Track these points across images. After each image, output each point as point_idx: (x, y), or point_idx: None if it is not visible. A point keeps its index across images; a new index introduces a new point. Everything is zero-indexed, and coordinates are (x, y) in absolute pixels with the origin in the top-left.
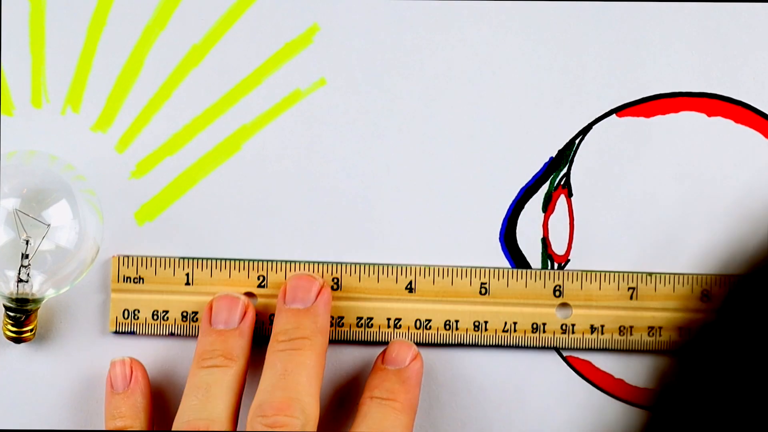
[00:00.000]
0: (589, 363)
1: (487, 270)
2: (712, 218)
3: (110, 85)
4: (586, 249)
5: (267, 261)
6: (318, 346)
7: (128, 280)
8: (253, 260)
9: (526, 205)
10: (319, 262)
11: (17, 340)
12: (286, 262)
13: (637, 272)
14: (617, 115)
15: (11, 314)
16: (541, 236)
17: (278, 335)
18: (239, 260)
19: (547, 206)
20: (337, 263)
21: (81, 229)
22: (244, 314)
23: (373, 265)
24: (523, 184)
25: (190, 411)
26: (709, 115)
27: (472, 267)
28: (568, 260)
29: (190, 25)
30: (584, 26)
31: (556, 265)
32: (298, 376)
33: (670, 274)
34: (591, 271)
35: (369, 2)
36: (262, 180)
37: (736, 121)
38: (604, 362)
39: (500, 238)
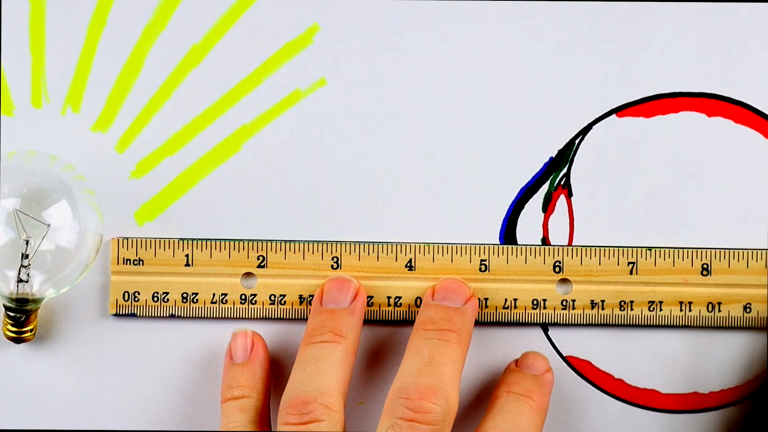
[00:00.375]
0: (589, 363)
1: (486, 247)
2: (712, 219)
3: (110, 85)
4: None
5: (266, 241)
6: (464, 342)
7: (128, 262)
8: (253, 240)
9: (526, 205)
10: (318, 242)
11: (17, 340)
12: (285, 241)
13: (637, 247)
14: (617, 115)
15: (11, 314)
16: (541, 236)
17: (425, 324)
18: (239, 240)
19: (547, 206)
20: (336, 242)
21: (81, 229)
22: (356, 296)
23: (373, 243)
24: (523, 184)
25: (299, 384)
26: (709, 115)
27: (471, 244)
28: None
29: (190, 25)
30: (584, 26)
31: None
32: (443, 367)
33: (669, 248)
34: (591, 247)
35: (369, 2)
36: (262, 180)
37: (736, 121)
38: (604, 362)
39: (500, 238)
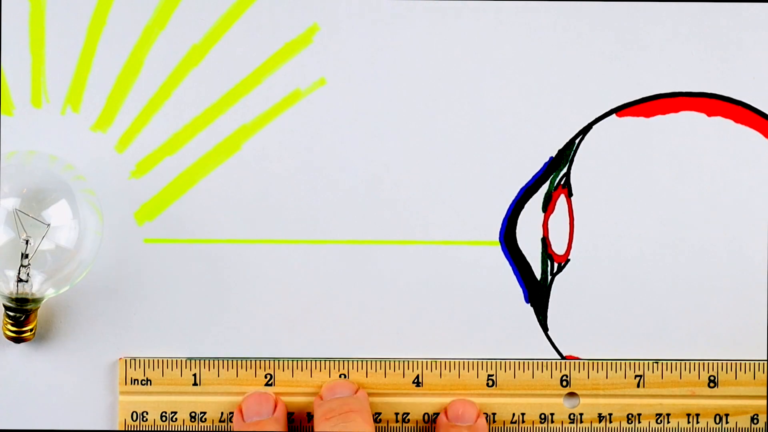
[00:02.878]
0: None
1: (494, 362)
2: (712, 218)
3: (110, 85)
4: (586, 249)
5: (274, 359)
6: (366, 415)
7: (135, 382)
8: (260, 359)
9: (526, 205)
10: (325, 359)
11: (17, 340)
12: (293, 360)
13: (644, 360)
14: (617, 115)
15: (11, 314)
16: (541, 236)
17: (326, 414)
18: (246, 359)
19: (547, 206)
20: (343, 360)
21: (81, 229)
22: (275, 406)
23: (380, 360)
24: (523, 184)
25: None
26: (709, 115)
27: (479, 360)
28: (568, 260)
29: (190, 25)
30: (584, 26)
31: (556, 266)
32: None
33: (676, 360)
34: (597, 360)
35: (369, 2)
36: (262, 180)
37: (736, 121)
38: None
39: (500, 238)
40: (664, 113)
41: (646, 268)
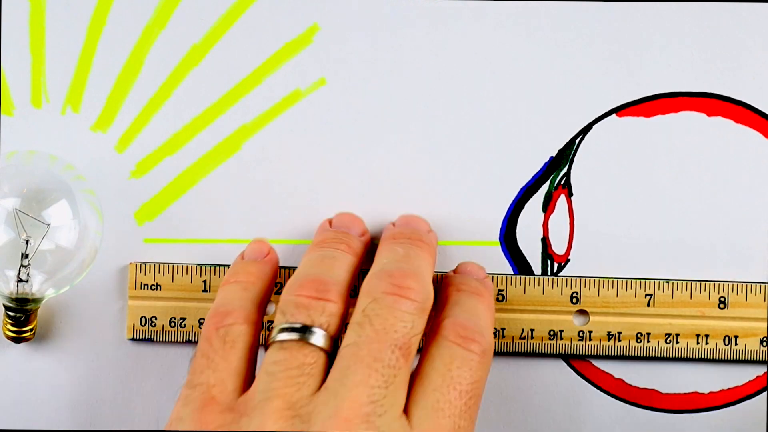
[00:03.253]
0: (589, 363)
1: (504, 277)
2: (712, 218)
3: (110, 85)
4: (586, 249)
5: (283, 267)
6: (433, 254)
7: (145, 287)
8: None
9: (526, 205)
10: None
11: (17, 340)
12: None
13: (655, 279)
14: (617, 115)
15: (11, 314)
16: (541, 236)
17: (395, 235)
18: None
19: (547, 206)
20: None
21: (81, 229)
22: (363, 233)
23: None
24: (523, 184)
25: (315, 269)
26: (709, 115)
27: (489, 274)
28: (568, 260)
29: (190, 25)
30: (584, 26)
31: (556, 266)
32: (420, 260)
33: (687, 281)
34: (608, 278)
35: (369, 2)
36: (262, 180)
37: (736, 121)
38: (604, 362)
39: (500, 238)
40: (664, 113)
41: (646, 269)
